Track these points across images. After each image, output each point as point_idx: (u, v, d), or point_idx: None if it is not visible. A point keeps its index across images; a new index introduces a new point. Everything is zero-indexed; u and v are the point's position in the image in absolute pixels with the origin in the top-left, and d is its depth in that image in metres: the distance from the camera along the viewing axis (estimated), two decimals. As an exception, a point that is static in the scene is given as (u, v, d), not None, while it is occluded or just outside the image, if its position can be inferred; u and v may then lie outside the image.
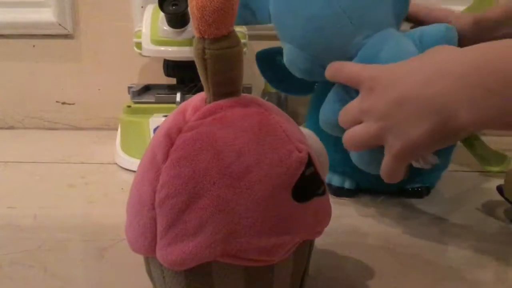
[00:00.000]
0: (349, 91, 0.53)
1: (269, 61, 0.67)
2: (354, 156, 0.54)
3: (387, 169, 0.48)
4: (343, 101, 0.53)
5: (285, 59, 0.60)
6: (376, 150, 0.49)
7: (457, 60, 0.43)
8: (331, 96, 0.56)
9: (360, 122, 0.49)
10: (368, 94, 0.48)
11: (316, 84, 0.65)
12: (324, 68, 0.55)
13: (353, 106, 0.50)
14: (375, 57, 0.53)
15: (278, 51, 0.63)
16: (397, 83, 0.46)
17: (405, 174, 0.50)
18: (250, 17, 0.64)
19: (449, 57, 0.45)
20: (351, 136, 0.49)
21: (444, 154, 0.58)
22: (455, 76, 0.42)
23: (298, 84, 0.64)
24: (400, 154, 0.46)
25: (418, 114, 0.43)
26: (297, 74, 0.60)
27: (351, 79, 0.51)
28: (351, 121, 0.50)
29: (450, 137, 0.44)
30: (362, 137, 0.48)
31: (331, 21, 0.55)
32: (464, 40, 0.54)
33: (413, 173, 0.54)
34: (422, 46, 0.53)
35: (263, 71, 0.68)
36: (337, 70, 0.53)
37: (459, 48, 0.46)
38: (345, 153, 0.56)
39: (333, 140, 0.54)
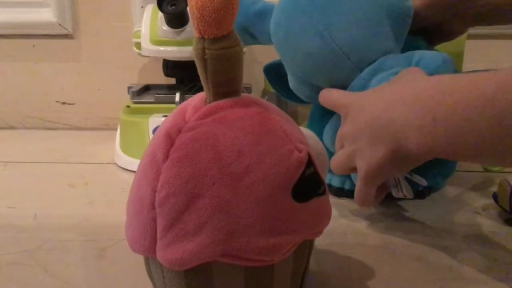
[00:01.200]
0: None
1: (276, 74, 0.67)
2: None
3: (357, 192, 0.49)
4: (337, 127, 0.53)
5: (290, 85, 0.61)
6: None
7: (415, 87, 0.45)
8: (331, 121, 0.57)
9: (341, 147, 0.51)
10: (344, 119, 0.50)
11: None
12: None
13: (338, 131, 0.51)
14: (364, 87, 0.54)
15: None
16: (365, 108, 0.47)
17: (377, 199, 0.52)
18: (250, 40, 0.65)
19: (410, 84, 0.46)
20: (332, 160, 0.51)
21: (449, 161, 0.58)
22: (408, 103, 0.43)
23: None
24: (366, 176, 0.47)
25: (378, 137, 0.45)
26: (304, 98, 0.61)
27: (335, 106, 0.53)
28: (337, 147, 0.51)
29: (405, 163, 0.45)
30: (340, 161, 0.50)
31: (329, 58, 0.56)
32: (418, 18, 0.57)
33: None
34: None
35: (272, 84, 0.69)
36: (324, 96, 0.55)
37: (424, 75, 0.47)
38: (328, 134, 0.58)
39: (332, 141, 0.54)
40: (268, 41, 0.62)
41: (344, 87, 0.56)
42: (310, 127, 0.62)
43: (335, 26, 0.55)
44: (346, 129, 0.49)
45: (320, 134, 0.50)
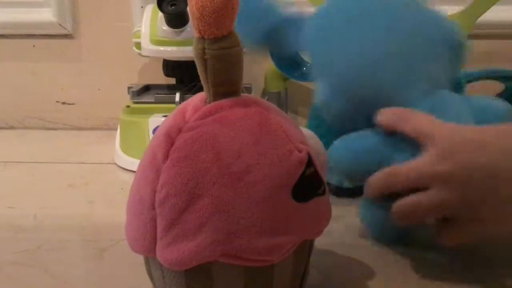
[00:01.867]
0: (399, 154, 0.46)
1: (278, 42, 0.65)
2: (375, 232, 0.50)
3: (453, 242, 0.44)
4: (387, 150, 0.46)
5: (317, 99, 0.53)
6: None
7: None
8: (366, 137, 0.48)
9: (417, 187, 0.42)
10: (444, 157, 0.41)
11: None
12: (363, 116, 0.48)
13: (422, 165, 0.42)
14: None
15: None
16: (486, 150, 0.40)
17: None
18: (272, 43, 0.59)
19: None
20: (412, 205, 0.42)
21: None
22: None
23: (300, 69, 0.63)
24: (483, 234, 0.41)
25: (507, 197, 0.38)
26: (327, 117, 0.53)
27: (418, 133, 0.43)
28: (412, 180, 0.42)
29: None
30: (430, 206, 0.41)
31: (385, 62, 0.49)
32: None
33: None
34: (483, 119, 0.47)
35: (270, 52, 0.66)
36: (400, 117, 0.45)
37: None
38: (343, 153, 0.57)
39: (332, 140, 0.54)
40: (292, 47, 0.58)
41: (388, 104, 0.47)
42: (310, 127, 0.62)
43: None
44: (449, 168, 0.40)
45: (319, 134, 0.49)
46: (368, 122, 0.48)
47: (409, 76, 0.49)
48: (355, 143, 0.49)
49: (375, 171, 0.45)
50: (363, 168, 0.47)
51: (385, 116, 0.46)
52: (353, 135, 0.49)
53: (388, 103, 0.47)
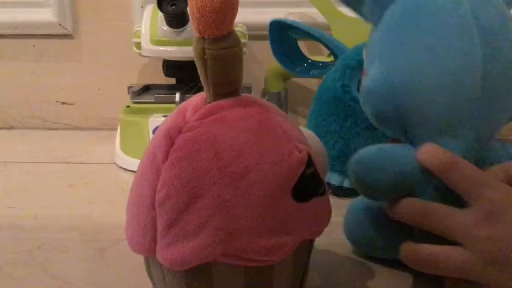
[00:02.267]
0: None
1: (281, 33, 0.65)
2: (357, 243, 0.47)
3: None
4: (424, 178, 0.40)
5: (363, 86, 0.42)
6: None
7: None
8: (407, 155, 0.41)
9: (451, 240, 0.38)
10: (490, 219, 0.37)
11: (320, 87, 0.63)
12: (398, 125, 0.42)
13: (456, 220, 0.38)
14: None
15: (292, 26, 0.63)
16: None
17: None
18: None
19: None
20: (441, 258, 0.38)
21: None
22: None
23: (301, 64, 0.63)
24: None
25: None
26: (368, 114, 0.43)
27: (466, 185, 0.38)
28: (438, 229, 0.39)
29: None
30: (457, 266, 0.38)
31: (458, 89, 0.39)
32: None
33: None
34: None
35: (272, 41, 0.67)
36: (447, 161, 0.39)
37: None
38: (343, 152, 0.56)
39: (332, 139, 0.54)
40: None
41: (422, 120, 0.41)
42: (309, 127, 0.62)
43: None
44: (493, 232, 0.37)
45: (319, 135, 0.48)
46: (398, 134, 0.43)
47: (485, 110, 0.40)
48: (395, 156, 0.41)
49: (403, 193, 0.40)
50: (395, 186, 0.41)
51: (425, 153, 0.40)
52: (394, 147, 0.43)
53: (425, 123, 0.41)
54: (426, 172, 0.40)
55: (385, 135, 0.45)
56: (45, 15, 0.87)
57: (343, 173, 0.61)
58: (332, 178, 0.61)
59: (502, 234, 0.37)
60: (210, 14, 0.33)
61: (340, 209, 0.57)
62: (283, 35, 0.66)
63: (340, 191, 0.61)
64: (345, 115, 0.59)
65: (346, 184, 0.61)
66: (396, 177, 0.40)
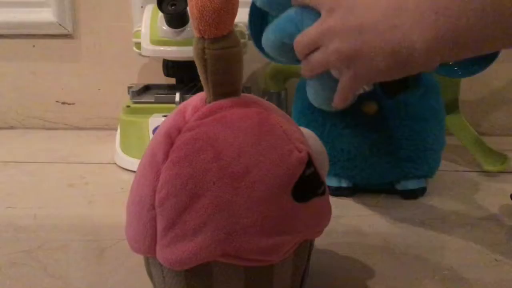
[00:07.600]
0: (306, 17, 0.50)
1: (261, 16, 0.65)
2: (310, 95, 0.53)
3: (344, 91, 0.49)
4: (297, 25, 0.51)
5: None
6: (330, 80, 0.49)
7: None
8: (287, 15, 0.52)
9: (316, 47, 0.48)
10: (328, 15, 0.47)
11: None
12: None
13: (311, 28, 0.49)
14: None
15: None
16: (357, 10, 0.46)
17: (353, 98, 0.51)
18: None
19: None
20: (309, 60, 0.49)
21: (440, 135, 0.60)
22: (410, 9, 0.43)
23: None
24: (360, 79, 0.47)
25: (380, 46, 0.44)
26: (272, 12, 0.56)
27: (315, 2, 0.50)
28: (306, 43, 0.49)
29: (410, 66, 0.45)
30: (320, 60, 0.48)
31: None
32: None
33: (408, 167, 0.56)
34: None
35: (251, 21, 0.64)
36: None
37: None
38: (337, 155, 0.57)
39: (327, 141, 0.54)
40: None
41: None
42: (296, 102, 0.63)
43: None
44: (329, 25, 0.47)
45: (317, 133, 0.49)
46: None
47: None
48: (279, 18, 0.53)
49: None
50: (287, 37, 0.51)
51: None
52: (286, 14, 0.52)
53: None
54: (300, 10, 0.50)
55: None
56: (45, 15, 0.87)
57: (337, 175, 0.61)
58: (329, 180, 0.61)
59: (338, 22, 0.46)
60: (210, 14, 0.33)
61: (340, 209, 0.58)
62: (262, 19, 0.65)
63: (339, 191, 0.61)
64: (323, 120, 0.60)
65: (344, 183, 0.61)
66: (281, 35, 0.51)
